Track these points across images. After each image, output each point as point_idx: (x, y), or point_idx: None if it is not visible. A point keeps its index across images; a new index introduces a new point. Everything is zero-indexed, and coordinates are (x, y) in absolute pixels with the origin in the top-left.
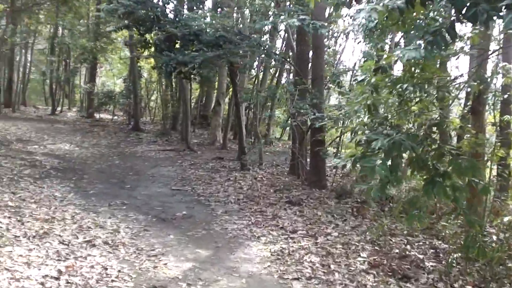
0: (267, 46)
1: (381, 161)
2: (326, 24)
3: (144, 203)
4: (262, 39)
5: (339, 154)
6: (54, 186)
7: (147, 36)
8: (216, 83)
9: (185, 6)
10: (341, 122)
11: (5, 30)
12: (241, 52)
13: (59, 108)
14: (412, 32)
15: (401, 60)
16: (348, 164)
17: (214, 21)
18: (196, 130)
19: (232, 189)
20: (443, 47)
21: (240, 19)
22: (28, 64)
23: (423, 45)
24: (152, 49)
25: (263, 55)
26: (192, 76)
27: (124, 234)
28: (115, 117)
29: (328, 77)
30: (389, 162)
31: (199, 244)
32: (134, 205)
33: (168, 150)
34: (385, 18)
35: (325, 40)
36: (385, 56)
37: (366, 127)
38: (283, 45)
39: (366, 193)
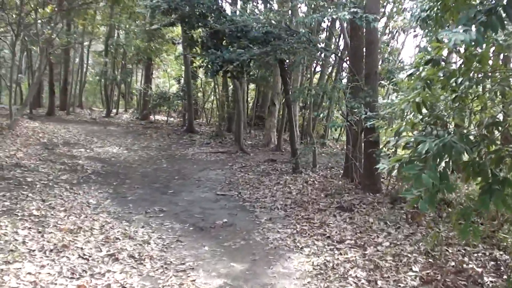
0: (318, 42)
1: (428, 167)
2: (379, 17)
3: (183, 210)
4: (321, 36)
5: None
6: (91, 192)
7: (194, 33)
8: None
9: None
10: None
11: (53, 30)
12: (289, 48)
13: (114, 110)
14: (462, 12)
15: (447, 45)
16: (394, 169)
17: (261, 16)
18: (252, 131)
19: (280, 193)
20: (498, 29)
21: (290, 13)
22: (85, 66)
23: (474, 27)
24: (199, 47)
25: (314, 52)
26: (240, 75)
27: (154, 246)
28: (171, 119)
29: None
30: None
31: (235, 256)
32: (173, 212)
33: (220, 152)
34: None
35: (382, 35)
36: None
37: (414, 127)
38: (338, 40)
39: (411, 203)
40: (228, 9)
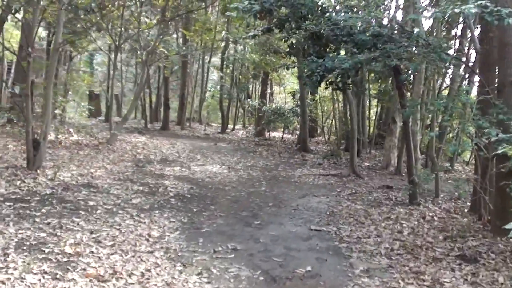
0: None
1: None
2: None
3: (262, 250)
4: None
5: None
6: (160, 221)
7: (293, 40)
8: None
9: None
10: None
11: (156, 41)
12: (403, 53)
13: (231, 126)
14: None
15: None
16: None
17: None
18: (372, 151)
19: (388, 232)
20: None
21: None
22: (204, 80)
23: None
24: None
25: (434, 58)
26: (346, 86)
27: None
28: (288, 136)
29: None
30: None
31: None
32: (247, 253)
33: (331, 175)
34: None
35: None
36: None
37: None
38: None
39: None
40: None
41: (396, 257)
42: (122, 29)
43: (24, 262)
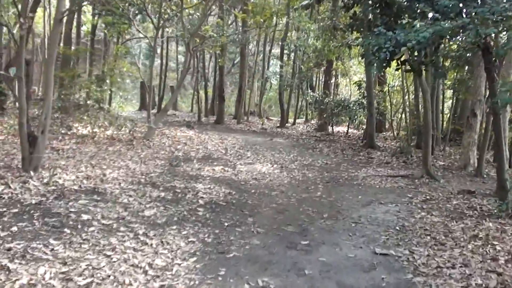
0: None
1: None
2: None
3: None
4: None
5: None
6: (175, 241)
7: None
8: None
9: None
10: None
11: (201, 23)
12: (500, 19)
13: (291, 120)
14: None
15: None
16: None
17: None
18: (446, 148)
19: (478, 260)
20: None
21: None
22: (265, 71)
23: None
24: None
25: None
26: (422, 67)
27: None
28: (353, 131)
29: None
30: None
31: None
32: None
33: (401, 176)
34: None
35: None
36: None
37: None
38: None
39: None
40: None
41: None
42: (162, 9)
43: None
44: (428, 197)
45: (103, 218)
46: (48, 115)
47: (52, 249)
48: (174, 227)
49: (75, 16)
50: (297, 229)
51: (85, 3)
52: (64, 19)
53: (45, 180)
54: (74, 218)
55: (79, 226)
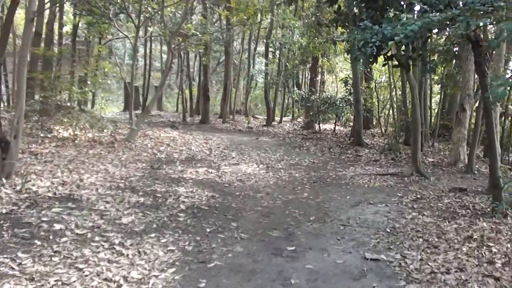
0: None
1: None
2: None
3: None
4: None
5: None
6: (154, 250)
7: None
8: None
9: None
10: None
11: (183, 20)
12: (490, 10)
13: (278, 118)
14: None
15: None
16: None
17: None
18: (435, 144)
19: (473, 263)
20: None
21: None
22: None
23: None
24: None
25: None
26: (411, 61)
27: None
28: (340, 128)
29: None
30: None
31: None
32: None
33: (390, 174)
34: None
35: None
36: None
37: None
38: None
39: None
40: None
41: None
42: (143, 7)
43: None
44: (418, 196)
45: (77, 227)
46: (20, 119)
47: (20, 263)
48: (153, 235)
49: (57, 16)
50: (283, 233)
51: (66, 2)
52: (45, 20)
53: (18, 188)
54: (46, 228)
55: (51, 237)
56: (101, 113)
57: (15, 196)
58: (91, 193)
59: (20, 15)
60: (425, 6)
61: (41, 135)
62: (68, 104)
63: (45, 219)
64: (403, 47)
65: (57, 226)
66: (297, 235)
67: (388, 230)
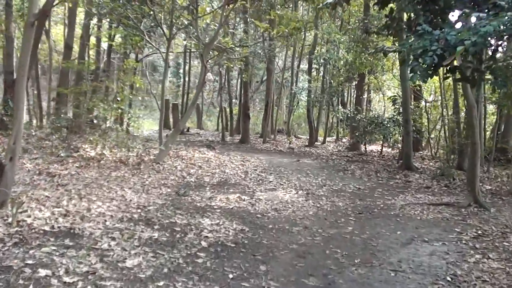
0: None
1: None
2: None
3: None
4: None
5: None
6: None
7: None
8: None
9: None
10: None
11: (217, 33)
12: None
13: (321, 138)
14: None
15: None
16: None
17: None
18: (490, 169)
19: None
20: None
21: None
22: (294, 87)
23: None
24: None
25: None
26: (478, 74)
27: None
28: (388, 149)
29: None
30: None
31: None
32: None
33: (444, 204)
34: None
35: None
36: None
37: None
38: None
39: None
40: None
41: None
42: (174, 18)
43: None
44: (480, 232)
45: (67, 273)
46: (18, 138)
47: None
48: (161, 283)
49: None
50: (321, 282)
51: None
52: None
53: (10, 220)
54: (27, 274)
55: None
56: (134, 131)
57: (3, 230)
58: (97, 226)
59: (57, 25)
60: (503, 2)
61: (62, 154)
62: (95, 121)
63: (30, 261)
64: (471, 57)
65: (42, 272)
66: (338, 284)
67: (448, 278)
